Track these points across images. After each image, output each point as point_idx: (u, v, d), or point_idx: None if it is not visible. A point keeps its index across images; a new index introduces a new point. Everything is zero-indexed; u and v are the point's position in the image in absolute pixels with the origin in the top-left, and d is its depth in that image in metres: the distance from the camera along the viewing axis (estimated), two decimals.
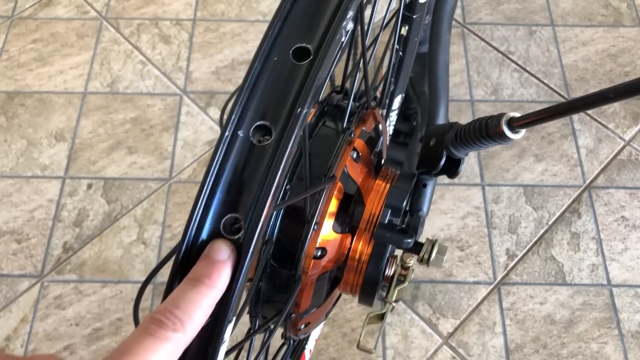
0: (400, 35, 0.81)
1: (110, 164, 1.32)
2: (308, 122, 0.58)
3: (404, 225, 0.67)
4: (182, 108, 1.40)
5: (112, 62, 1.46)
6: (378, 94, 0.70)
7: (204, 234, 0.36)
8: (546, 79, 1.45)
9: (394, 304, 0.57)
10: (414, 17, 0.80)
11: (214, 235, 0.35)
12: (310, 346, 0.92)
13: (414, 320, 1.17)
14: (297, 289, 0.53)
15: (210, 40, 1.50)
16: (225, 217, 0.36)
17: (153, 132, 1.36)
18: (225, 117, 0.37)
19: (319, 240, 0.53)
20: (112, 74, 1.44)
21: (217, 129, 1.37)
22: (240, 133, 0.36)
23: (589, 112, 1.41)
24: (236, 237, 0.35)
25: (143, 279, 1.19)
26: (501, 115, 0.52)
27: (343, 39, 0.39)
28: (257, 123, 0.36)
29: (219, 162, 0.36)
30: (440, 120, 0.67)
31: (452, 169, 0.61)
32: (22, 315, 1.16)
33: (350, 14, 0.38)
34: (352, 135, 0.56)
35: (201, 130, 1.37)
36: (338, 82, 0.62)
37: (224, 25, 1.52)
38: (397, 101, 0.91)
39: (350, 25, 0.39)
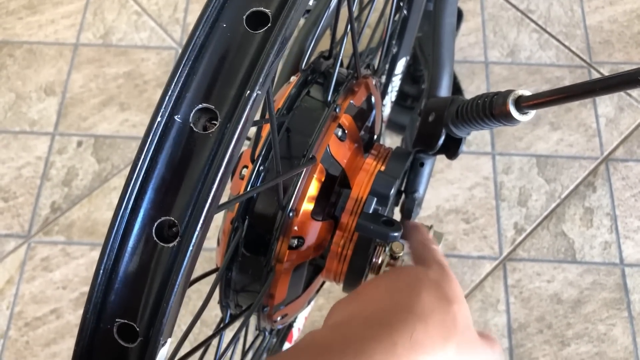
0: None
1: (101, 120, 1.26)
2: (288, 93, 0.51)
3: (397, 208, 0.60)
4: None
5: (106, 12, 1.38)
6: (377, 60, 0.62)
7: (132, 241, 0.29)
8: (567, 41, 1.35)
9: None
10: None
11: (145, 241, 0.29)
12: (299, 324, 0.88)
13: None
14: (269, 280, 0.47)
15: None
16: (158, 220, 0.29)
17: (147, 88, 1.29)
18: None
19: (295, 228, 0.47)
20: (106, 25, 1.37)
21: None
22: (178, 117, 0.29)
23: None
24: (170, 244, 0.29)
25: None
26: (508, 92, 0.45)
27: (310, 2, 0.31)
28: (199, 106, 0.29)
29: (149, 153, 0.29)
30: (443, 92, 0.60)
31: (452, 148, 0.54)
32: (8, 277, 1.13)
33: None
34: (337, 110, 0.49)
35: None
36: (327, 45, 0.55)
37: None
38: (400, 64, 0.83)
39: None
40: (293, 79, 0.52)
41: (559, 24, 1.37)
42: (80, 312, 1.07)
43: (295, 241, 0.48)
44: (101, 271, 0.29)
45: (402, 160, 0.54)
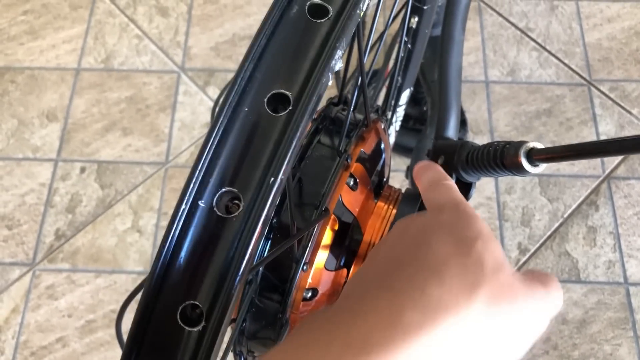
0: (409, 27, 0.74)
1: (104, 146, 1.26)
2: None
3: None
4: (180, 87, 1.32)
5: (107, 36, 1.38)
6: (381, 97, 0.62)
7: (154, 326, 0.30)
8: (567, 58, 1.36)
9: None
10: (425, 7, 0.73)
11: (170, 325, 0.29)
12: None
13: None
14: (285, 332, 0.47)
15: (210, 13, 1.41)
16: (183, 305, 0.30)
17: (149, 112, 1.30)
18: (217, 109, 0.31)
19: (309, 280, 0.47)
20: (107, 49, 1.37)
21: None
22: (202, 203, 0.30)
23: (612, 95, 1.32)
24: (195, 329, 0.29)
25: (138, 269, 1.15)
26: (520, 143, 0.45)
27: (330, 82, 0.32)
28: (223, 189, 0.30)
29: (174, 238, 0.29)
30: (450, 133, 0.60)
31: (462, 192, 0.54)
32: (14, 305, 1.13)
33: (339, 53, 0.31)
34: (349, 160, 0.49)
35: (199, 110, 1.30)
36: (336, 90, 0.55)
37: None
38: (404, 96, 0.84)
39: (339, 65, 0.32)
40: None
41: (558, 42, 1.38)
42: (86, 340, 1.07)
43: (310, 293, 0.48)
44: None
45: (413, 203, 0.54)
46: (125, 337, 0.33)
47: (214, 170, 0.30)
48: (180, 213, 0.29)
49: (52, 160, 1.25)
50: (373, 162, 0.54)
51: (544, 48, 1.37)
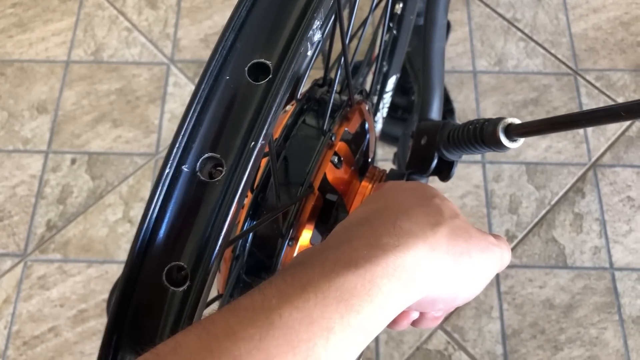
0: (394, 14, 0.75)
1: (94, 137, 1.27)
2: (285, 122, 0.52)
3: None
4: (170, 78, 1.33)
5: (96, 29, 1.39)
6: (368, 83, 0.63)
7: (140, 288, 0.31)
8: (553, 48, 1.38)
9: None
10: None
11: (156, 286, 0.30)
12: None
13: None
14: None
15: (199, 5, 1.42)
16: (168, 266, 0.31)
17: (139, 103, 1.30)
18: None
19: (295, 255, 0.48)
20: (97, 42, 1.37)
21: None
22: (185, 167, 0.31)
23: (597, 84, 1.34)
24: (181, 288, 0.30)
25: None
26: (498, 120, 0.46)
27: (309, 53, 0.33)
28: (206, 155, 0.31)
29: (159, 201, 0.30)
30: (434, 115, 0.61)
31: (444, 171, 0.55)
32: (5, 296, 1.13)
33: (317, 23, 0.32)
34: (333, 139, 0.50)
35: None
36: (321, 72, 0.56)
37: None
38: (391, 82, 0.85)
39: (317, 36, 0.33)
40: (289, 107, 0.54)
41: (545, 32, 1.40)
42: (79, 329, 1.08)
43: None
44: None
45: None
46: None
47: (197, 136, 0.31)
48: (164, 177, 0.30)
49: (43, 152, 1.25)
50: (357, 142, 0.55)
51: (531, 38, 1.39)
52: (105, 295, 1.13)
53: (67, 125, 1.28)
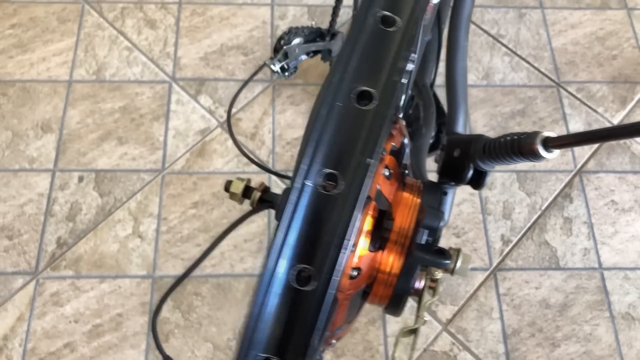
0: None
1: (100, 155, 1.29)
2: None
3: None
4: (172, 96, 1.36)
5: (97, 48, 1.41)
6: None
7: (277, 288, 0.35)
8: (536, 62, 1.46)
9: (425, 319, 0.58)
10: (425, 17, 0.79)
11: (287, 288, 0.35)
12: None
13: (414, 307, 1.18)
14: (335, 310, 0.53)
15: (197, 25, 1.46)
16: (296, 267, 0.35)
17: (143, 121, 1.33)
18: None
19: (355, 260, 0.53)
20: (98, 61, 1.40)
21: (209, 117, 1.35)
22: (309, 182, 0.35)
23: (579, 96, 1.42)
24: (307, 287, 0.35)
25: (141, 273, 1.18)
26: (535, 134, 0.52)
27: (404, 80, 0.38)
28: (326, 171, 0.36)
29: (290, 212, 0.35)
30: (460, 128, 0.67)
31: (478, 180, 0.61)
32: (19, 314, 1.14)
33: (413, 56, 0.37)
34: (383, 153, 0.55)
35: (192, 119, 1.34)
36: None
37: (211, 9, 1.48)
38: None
39: (410, 66, 0.38)
40: None
41: (528, 47, 1.48)
42: (94, 344, 1.10)
43: (355, 272, 0.54)
44: (251, 316, 0.35)
45: (434, 192, 0.60)
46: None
47: (319, 155, 0.35)
48: (294, 190, 0.34)
49: (50, 171, 1.27)
50: (399, 156, 0.60)
51: (515, 53, 1.47)
52: (119, 310, 1.15)
53: (73, 143, 1.30)
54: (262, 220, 1.24)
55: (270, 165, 1.30)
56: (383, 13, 0.38)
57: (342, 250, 0.34)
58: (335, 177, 0.36)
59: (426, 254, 0.52)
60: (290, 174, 1.27)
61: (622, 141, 1.37)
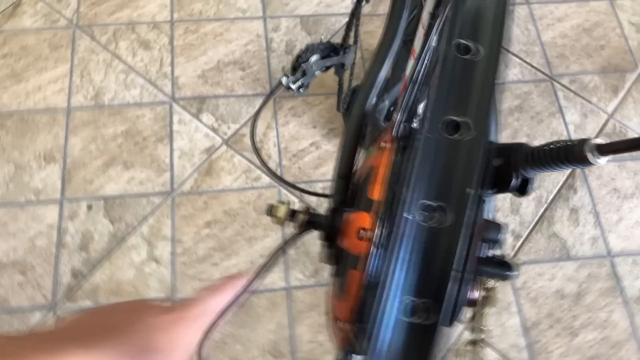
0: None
1: (107, 181, 1.28)
2: (389, 161, 0.58)
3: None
4: (174, 116, 1.36)
5: (93, 73, 1.40)
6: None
7: (390, 322, 0.36)
8: (528, 57, 1.49)
9: (484, 329, 0.59)
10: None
11: (400, 322, 0.36)
12: None
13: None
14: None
15: (191, 42, 1.45)
16: (409, 301, 0.36)
17: (147, 144, 1.32)
18: None
19: None
20: (95, 86, 1.38)
21: (213, 135, 1.34)
22: (409, 215, 0.36)
23: (572, 87, 1.45)
24: (425, 322, 0.36)
25: (161, 296, 1.18)
26: (584, 141, 0.53)
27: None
28: (430, 203, 0.36)
29: (397, 251, 0.36)
30: (492, 137, 0.69)
31: (522, 188, 0.62)
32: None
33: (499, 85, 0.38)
34: None
35: (196, 138, 1.34)
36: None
37: (204, 26, 1.48)
38: (420, 108, 0.92)
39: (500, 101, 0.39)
40: (383, 145, 0.60)
41: (519, 43, 1.51)
42: None
43: None
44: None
45: (477, 202, 0.62)
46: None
47: (419, 187, 0.36)
48: (396, 224, 0.35)
49: (57, 201, 1.25)
50: None
51: (507, 50, 1.50)
52: None
53: (78, 171, 1.29)
54: (277, 234, 1.25)
55: (280, 178, 1.30)
56: (463, 42, 0.39)
57: (458, 281, 0.35)
58: (436, 208, 0.36)
59: (489, 267, 0.53)
60: (300, 186, 1.28)
61: (617, 130, 1.41)
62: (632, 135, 1.40)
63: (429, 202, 0.36)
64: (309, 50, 0.95)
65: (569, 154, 0.55)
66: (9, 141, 1.31)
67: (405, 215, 0.36)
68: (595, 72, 1.48)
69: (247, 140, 1.34)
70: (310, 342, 1.15)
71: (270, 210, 0.71)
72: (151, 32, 1.46)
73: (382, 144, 0.61)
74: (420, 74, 0.62)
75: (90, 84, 1.39)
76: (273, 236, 1.25)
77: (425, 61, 0.66)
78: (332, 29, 1.47)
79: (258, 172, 1.30)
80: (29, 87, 1.37)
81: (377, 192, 0.58)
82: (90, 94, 1.37)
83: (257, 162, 1.31)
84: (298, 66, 0.94)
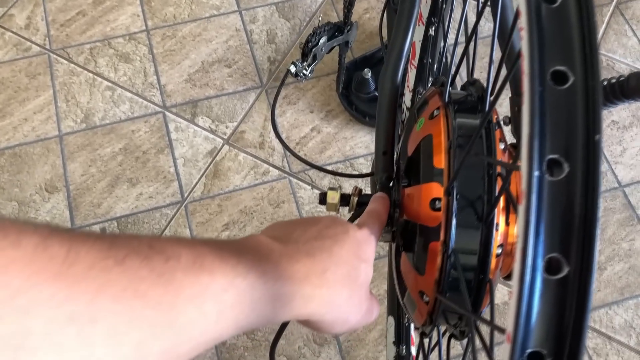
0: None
1: (116, 202, 1.25)
2: (446, 126, 0.58)
3: None
4: (169, 125, 1.33)
5: (78, 96, 1.36)
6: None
7: (536, 282, 0.35)
8: None
9: None
10: None
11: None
12: None
13: None
14: (494, 291, 0.54)
15: (171, 48, 1.42)
16: (550, 256, 0.35)
17: (148, 157, 1.30)
18: None
19: (498, 238, 0.54)
20: (82, 108, 1.35)
21: (212, 137, 1.32)
22: (537, 172, 0.35)
23: None
24: (563, 275, 0.35)
25: None
26: (636, 74, 0.54)
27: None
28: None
29: (533, 204, 0.35)
30: None
31: None
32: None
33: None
34: (496, 128, 0.56)
35: (197, 142, 1.32)
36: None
37: (180, 29, 1.45)
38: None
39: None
40: (436, 113, 0.59)
41: None
42: None
43: (500, 249, 0.55)
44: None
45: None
46: None
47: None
48: (531, 184, 0.35)
49: None
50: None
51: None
52: None
53: (84, 197, 1.26)
54: None
55: (287, 169, 1.29)
56: (557, 69, 0.38)
57: (594, 239, 0.35)
58: (557, 162, 0.36)
59: None
60: (310, 174, 1.27)
61: (605, 63, 1.43)
62: (619, 67, 1.43)
63: (553, 156, 0.36)
64: (316, 33, 0.94)
65: (624, 89, 0.56)
66: (6, 179, 1.27)
67: (535, 173, 0.35)
68: None
69: (248, 136, 1.32)
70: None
71: (323, 199, 0.70)
72: (128, 44, 1.42)
73: (435, 112, 0.61)
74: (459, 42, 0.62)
75: (77, 107, 1.35)
76: None
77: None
78: (310, 11, 1.46)
79: (265, 166, 1.29)
80: (15, 121, 1.33)
81: (443, 161, 0.58)
82: (80, 117, 1.34)
83: (262, 156, 1.30)
84: (309, 51, 0.93)
